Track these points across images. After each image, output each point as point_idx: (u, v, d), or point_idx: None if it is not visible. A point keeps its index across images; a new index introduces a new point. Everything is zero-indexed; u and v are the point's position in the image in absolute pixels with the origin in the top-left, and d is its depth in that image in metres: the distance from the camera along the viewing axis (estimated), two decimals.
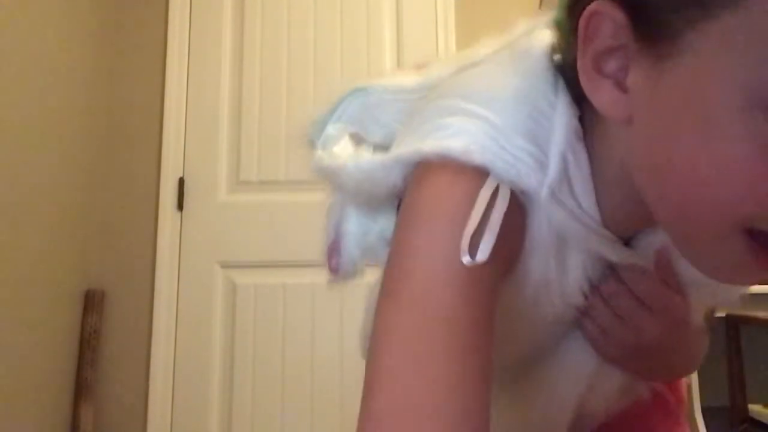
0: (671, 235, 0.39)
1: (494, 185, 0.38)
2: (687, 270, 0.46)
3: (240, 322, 1.93)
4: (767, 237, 0.33)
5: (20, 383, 1.54)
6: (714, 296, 0.52)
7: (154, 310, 1.91)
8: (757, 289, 1.59)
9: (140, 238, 1.94)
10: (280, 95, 2.06)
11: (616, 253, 0.44)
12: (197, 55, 2.07)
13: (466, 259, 0.36)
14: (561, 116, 0.40)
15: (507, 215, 0.38)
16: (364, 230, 0.55)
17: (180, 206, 1.98)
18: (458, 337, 0.36)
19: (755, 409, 1.46)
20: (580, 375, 0.52)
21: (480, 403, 0.35)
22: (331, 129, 0.55)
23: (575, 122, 0.41)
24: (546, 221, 0.42)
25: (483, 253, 0.37)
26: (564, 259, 0.44)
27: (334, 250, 0.56)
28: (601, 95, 0.38)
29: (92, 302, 1.84)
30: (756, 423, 1.44)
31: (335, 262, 0.56)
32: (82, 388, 1.78)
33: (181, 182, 1.99)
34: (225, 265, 1.95)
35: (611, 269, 0.47)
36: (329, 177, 0.54)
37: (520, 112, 0.40)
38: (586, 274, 0.46)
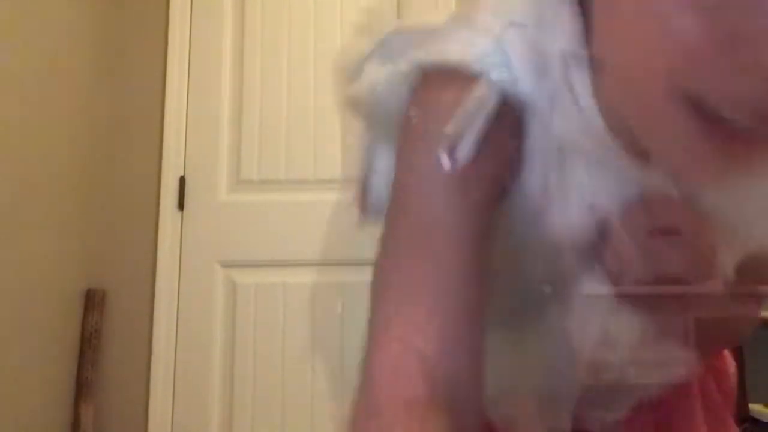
0: (635, 128, 0.37)
1: (485, 89, 0.37)
2: (715, 203, 0.42)
3: (240, 322, 1.93)
4: (714, 113, 0.30)
5: (20, 383, 1.54)
6: (748, 236, 0.46)
7: (154, 309, 1.91)
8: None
9: (141, 238, 1.94)
10: (280, 94, 2.06)
11: (625, 169, 0.40)
12: (198, 55, 2.07)
13: (445, 161, 0.36)
14: (564, 24, 0.38)
15: (501, 126, 0.37)
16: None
17: (180, 206, 1.98)
18: (449, 242, 0.37)
19: (756, 408, 1.45)
20: (590, 320, 0.47)
21: (478, 293, 0.37)
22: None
23: (579, 29, 0.38)
24: (545, 131, 0.39)
25: (463, 154, 0.36)
26: (566, 176, 0.40)
27: (363, 188, 0.55)
28: None
29: (93, 302, 1.84)
30: (757, 423, 1.43)
31: (364, 201, 0.54)
32: (82, 387, 1.78)
33: (182, 181, 1.99)
34: (225, 265, 1.95)
35: (627, 192, 0.43)
36: (355, 108, 0.51)
37: (525, 21, 0.39)
38: (592, 193, 0.41)
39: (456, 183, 0.37)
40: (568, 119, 0.39)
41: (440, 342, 0.35)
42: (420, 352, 0.35)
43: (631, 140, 0.39)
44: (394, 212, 0.39)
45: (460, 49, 0.38)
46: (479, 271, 0.38)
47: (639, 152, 0.39)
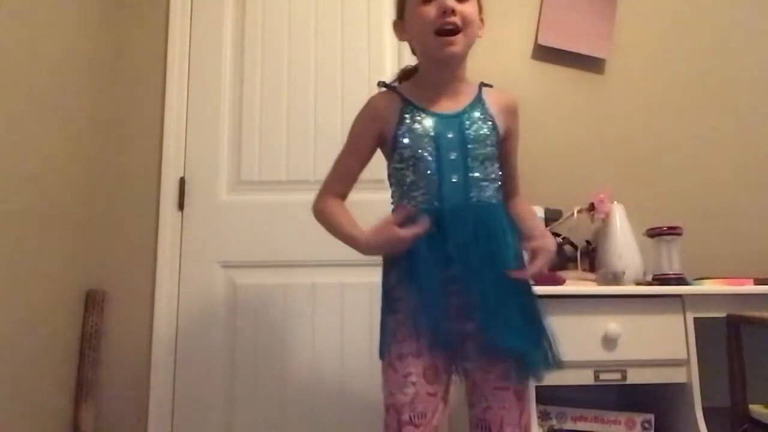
0: (433, 60, 1.21)
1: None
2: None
3: (240, 322, 1.93)
4: (442, 31, 1.14)
5: (21, 383, 1.54)
6: None
7: (154, 309, 1.91)
8: (757, 289, 1.59)
9: (141, 238, 1.94)
10: (281, 95, 2.06)
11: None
12: (198, 55, 2.07)
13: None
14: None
15: (388, 100, 1.23)
16: None
17: (181, 206, 1.98)
18: (349, 147, 1.26)
19: (756, 409, 1.45)
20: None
21: (349, 171, 1.26)
22: None
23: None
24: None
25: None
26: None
27: None
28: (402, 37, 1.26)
29: (93, 302, 1.85)
30: (757, 423, 1.43)
31: None
32: (82, 387, 1.78)
33: (182, 182, 1.99)
34: (225, 265, 1.95)
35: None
36: None
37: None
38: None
39: (364, 132, 1.24)
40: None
41: (335, 179, 1.27)
42: (328, 184, 1.28)
43: (427, 77, 1.24)
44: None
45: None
46: (359, 162, 1.25)
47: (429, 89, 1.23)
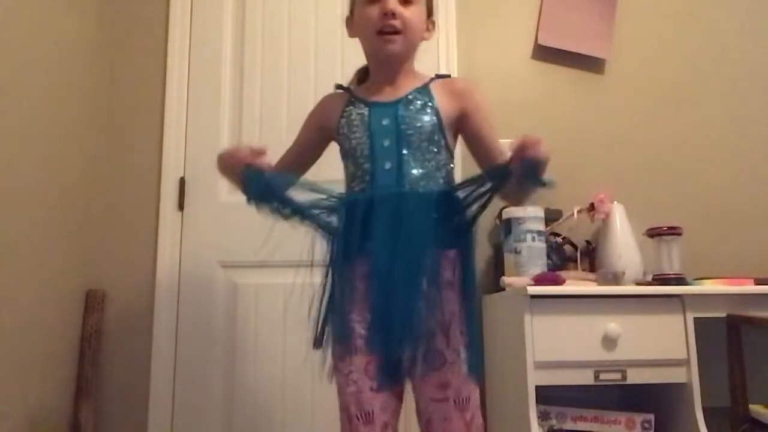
0: (375, 58, 1.25)
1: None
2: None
3: (240, 322, 1.93)
4: (382, 32, 1.18)
5: (21, 383, 1.54)
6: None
7: (154, 310, 1.91)
8: (757, 289, 1.59)
9: (141, 238, 1.94)
10: (281, 95, 2.06)
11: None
12: (198, 55, 2.07)
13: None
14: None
15: (337, 98, 1.30)
16: None
17: (181, 206, 1.98)
18: (299, 135, 1.35)
19: (756, 409, 1.45)
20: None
21: (286, 156, 1.35)
22: None
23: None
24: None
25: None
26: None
27: None
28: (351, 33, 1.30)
29: (93, 302, 1.85)
30: (757, 424, 1.43)
31: None
32: (82, 388, 1.78)
33: (182, 182, 1.99)
34: (225, 265, 1.95)
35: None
36: None
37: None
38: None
39: (307, 125, 1.34)
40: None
41: (283, 162, 1.33)
42: (281, 161, 1.32)
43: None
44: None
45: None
46: (303, 150, 1.35)
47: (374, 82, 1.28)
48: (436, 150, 1.17)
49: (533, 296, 1.47)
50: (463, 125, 1.23)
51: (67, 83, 1.77)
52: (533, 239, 1.73)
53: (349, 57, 2.09)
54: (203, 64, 2.06)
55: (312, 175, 2.03)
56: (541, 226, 1.76)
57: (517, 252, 1.73)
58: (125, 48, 2.05)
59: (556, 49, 2.11)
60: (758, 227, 2.06)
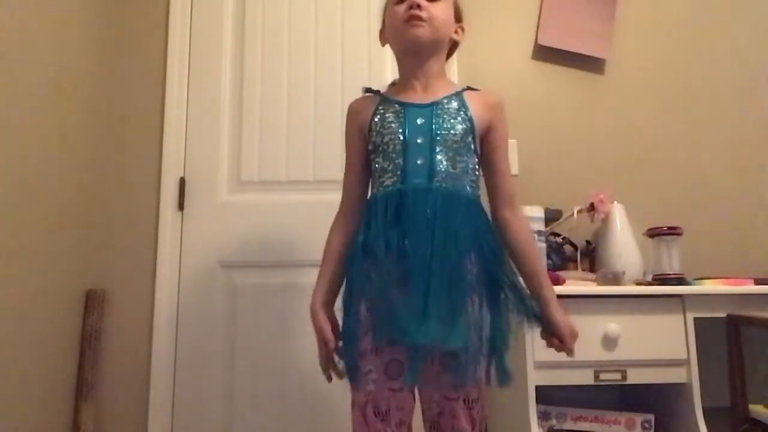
0: (404, 49, 1.26)
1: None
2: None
3: (240, 322, 1.93)
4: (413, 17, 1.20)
5: (21, 383, 1.54)
6: None
7: (154, 310, 1.91)
8: (757, 289, 1.59)
9: (141, 238, 1.94)
10: (281, 95, 2.06)
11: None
12: (198, 55, 2.07)
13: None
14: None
15: (366, 100, 1.29)
16: None
17: (181, 206, 1.98)
18: (346, 160, 1.30)
19: (756, 409, 1.45)
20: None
21: (349, 187, 1.28)
22: None
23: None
24: (381, 99, 1.27)
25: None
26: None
27: None
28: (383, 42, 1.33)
29: (93, 302, 1.85)
30: (757, 423, 1.43)
31: None
32: (82, 388, 1.78)
33: (182, 182, 1.99)
34: (225, 265, 1.95)
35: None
36: None
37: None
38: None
39: (350, 137, 1.29)
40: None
41: (343, 198, 1.28)
42: (341, 203, 1.28)
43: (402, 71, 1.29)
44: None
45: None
46: (359, 177, 1.27)
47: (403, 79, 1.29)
48: (466, 154, 1.19)
49: None
50: (485, 137, 1.24)
51: (67, 83, 1.77)
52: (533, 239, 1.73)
53: (349, 57, 2.10)
54: (203, 64, 2.06)
55: (312, 174, 2.06)
56: (541, 226, 1.76)
57: None
58: (125, 48, 2.05)
59: (556, 49, 2.11)
60: (758, 227, 2.06)
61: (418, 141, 1.17)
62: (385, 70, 2.06)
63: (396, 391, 1.12)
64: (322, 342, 1.16)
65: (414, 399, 1.17)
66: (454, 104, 1.21)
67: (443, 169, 1.15)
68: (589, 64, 2.12)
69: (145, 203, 1.97)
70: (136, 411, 1.85)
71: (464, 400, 1.14)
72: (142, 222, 1.95)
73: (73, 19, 1.81)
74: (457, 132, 1.18)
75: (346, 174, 1.29)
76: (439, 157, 1.16)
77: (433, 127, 1.18)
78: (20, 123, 1.54)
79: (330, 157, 2.01)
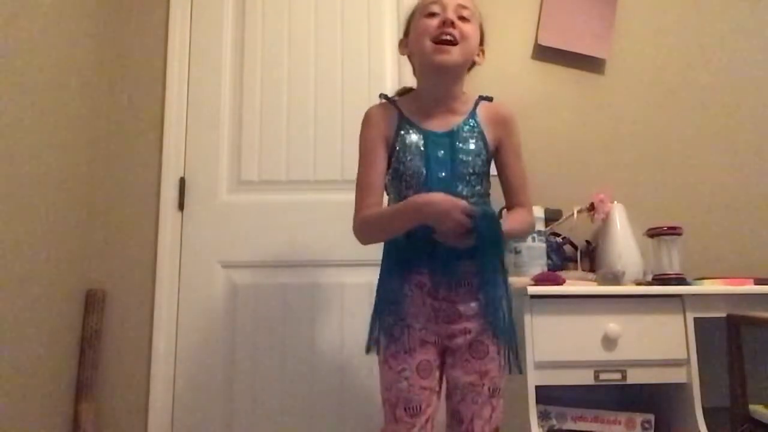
0: (428, 68, 1.25)
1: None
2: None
3: (240, 322, 1.93)
4: (439, 40, 1.21)
5: (21, 383, 1.54)
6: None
7: (154, 310, 1.91)
8: (757, 289, 1.59)
9: (141, 238, 1.95)
10: (281, 95, 2.06)
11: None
12: (198, 56, 2.07)
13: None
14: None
15: (386, 109, 1.30)
16: None
17: (181, 206, 1.98)
18: (364, 160, 1.25)
19: (756, 409, 1.45)
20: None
21: (372, 183, 1.23)
22: None
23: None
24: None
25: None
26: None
27: None
28: (403, 51, 1.35)
29: (93, 302, 1.85)
30: (757, 424, 1.43)
31: None
32: (82, 387, 1.78)
33: (182, 182, 1.99)
34: (225, 265, 1.96)
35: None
36: None
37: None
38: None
39: (371, 142, 1.25)
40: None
41: (362, 196, 1.23)
42: (358, 204, 1.23)
43: (424, 90, 1.30)
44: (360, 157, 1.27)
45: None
46: (379, 171, 1.24)
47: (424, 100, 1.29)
48: (482, 179, 1.25)
49: (533, 296, 1.48)
50: (497, 155, 1.30)
51: (67, 83, 1.77)
52: (533, 239, 1.73)
53: (348, 57, 2.10)
54: (203, 64, 2.06)
55: (312, 174, 2.06)
56: (541, 226, 1.76)
57: (517, 252, 1.73)
58: (125, 48, 2.05)
59: (556, 49, 2.11)
60: (758, 227, 2.06)
61: (441, 175, 1.21)
62: (385, 70, 2.06)
63: (425, 390, 1.19)
64: (452, 206, 1.10)
65: (439, 398, 1.24)
66: (471, 129, 1.25)
67: (463, 195, 1.19)
68: (589, 64, 2.12)
69: (145, 203, 1.97)
70: (136, 411, 1.85)
71: (489, 389, 1.20)
72: (142, 222, 1.96)
73: (73, 18, 1.81)
74: (476, 161, 1.23)
75: (365, 171, 1.25)
76: (459, 188, 1.21)
77: (455, 159, 1.22)
78: (21, 123, 1.54)
79: (330, 157, 2.01)
